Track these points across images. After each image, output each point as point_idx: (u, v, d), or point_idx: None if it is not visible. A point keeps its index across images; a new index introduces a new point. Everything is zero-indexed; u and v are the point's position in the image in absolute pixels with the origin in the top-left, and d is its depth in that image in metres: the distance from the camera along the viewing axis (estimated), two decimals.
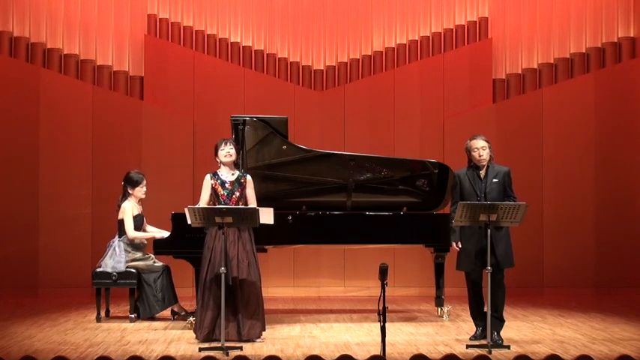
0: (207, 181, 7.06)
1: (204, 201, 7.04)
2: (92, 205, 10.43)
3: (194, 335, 7.11)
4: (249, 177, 7.13)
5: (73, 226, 10.43)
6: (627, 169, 10.65)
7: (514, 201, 6.83)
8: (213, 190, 7.02)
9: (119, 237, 8.22)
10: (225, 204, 6.94)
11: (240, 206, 6.91)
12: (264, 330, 7.07)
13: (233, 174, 7.09)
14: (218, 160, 7.10)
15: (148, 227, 8.37)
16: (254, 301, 6.96)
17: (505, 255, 6.85)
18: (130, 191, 8.27)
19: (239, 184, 7.05)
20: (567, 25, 11.06)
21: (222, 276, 6.58)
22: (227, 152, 7.03)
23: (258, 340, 6.92)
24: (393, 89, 11.01)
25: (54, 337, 7.15)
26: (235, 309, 6.90)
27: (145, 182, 8.32)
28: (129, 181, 8.29)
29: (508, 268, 6.91)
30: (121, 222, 8.21)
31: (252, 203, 7.06)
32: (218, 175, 7.07)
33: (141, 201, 8.36)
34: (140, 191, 8.30)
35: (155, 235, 8.13)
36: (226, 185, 7.02)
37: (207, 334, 6.85)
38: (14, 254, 10.30)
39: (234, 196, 7.01)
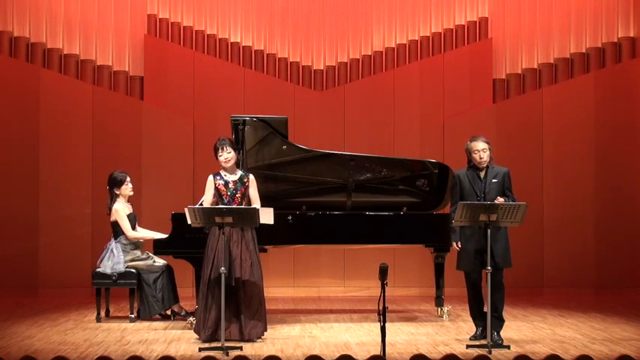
0: (210, 182, 7.06)
1: (207, 202, 7.04)
2: (92, 205, 10.42)
3: (194, 335, 7.12)
4: (252, 177, 7.13)
5: (73, 226, 10.43)
6: (627, 169, 10.65)
7: (513, 201, 6.83)
8: (217, 190, 7.02)
9: (115, 239, 8.22)
10: (229, 204, 6.95)
11: (240, 206, 6.91)
12: (266, 330, 7.07)
13: (236, 174, 7.09)
14: (219, 163, 7.10)
15: (138, 228, 8.35)
16: (256, 301, 6.96)
17: (503, 255, 6.86)
18: (117, 191, 8.25)
19: (242, 183, 7.05)
20: (567, 25, 11.06)
21: (222, 276, 6.58)
22: (225, 158, 7.04)
23: (259, 339, 6.91)
24: (393, 89, 11.01)
25: (54, 337, 7.15)
26: (238, 309, 6.90)
27: (129, 179, 8.30)
28: (113, 182, 8.27)
29: (506, 268, 6.91)
30: (114, 224, 8.20)
31: (256, 203, 7.07)
32: (221, 175, 7.08)
33: (131, 200, 8.36)
34: (127, 189, 8.28)
35: (155, 236, 8.12)
36: (229, 185, 7.02)
37: (210, 334, 6.83)
38: (14, 254, 10.30)
39: (237, 196, 7.01)
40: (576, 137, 10.74)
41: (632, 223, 10.57)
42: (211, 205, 6.98)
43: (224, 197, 7.00)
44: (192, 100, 10.91)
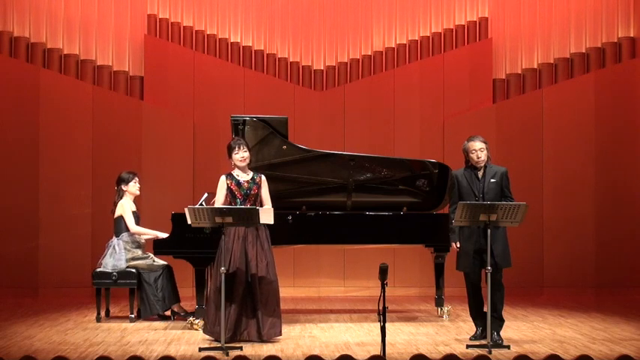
0: (223, 182, 7.04)
1: (219, 202, 7.01)
2: (92, 205, 10.43)
3: (194, 335, 7.14)
4: (263, 177, 7.14)
5: (73, 226, 10.43)
6: (627, 168, 10.65)
7: (511, 201, 6.82)
8: (230, 190, 7.00)
9: (117, 236, 8.22)
10: (242, 203, 6.95)
11: (240, 206, 6.90)
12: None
13: (248, 174, 7.09)
14: (232, 162, 7.08)
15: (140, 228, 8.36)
16: (273, 301, 6.96)
17: (502, 255, 6.85)
18: (125, 188, 8.29)
19: (254, 183, 7.05)
20: (567, 25, 11.06)
21: (222, 276, 6.57)
22: (241, 157, 7.03)
23: (277, 339, 6.92)
24: (393, 89, 11.01)
25: (54, 337, 7.15)
26: (254, 309, 6.90)
27: (137, 178, 8.34)
28: (121, 180, 8.32)
29: (505, 268, 6.91)
30: (118, 220, 8.21)
31: (267, 204, 7.08)
32: (233, 175, 7.06)
33: (137, 200, 8.37)
34: (134, 187, 8.31)
35: (158, 235, 8.11)
36: (242, 185, 7.01)
37: (230, 336, 6.78)
38: (14, 254, 10.30)
39: (250, 196, 7.00)
40: (576, 137, 10.73)
41: (632, 222, 10.57)
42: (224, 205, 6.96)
43: (237, 197, 6.99)
44: (192, 100, 10.91)
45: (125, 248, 8.17)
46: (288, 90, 11.04)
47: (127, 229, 8.19)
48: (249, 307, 6.90)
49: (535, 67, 11.11)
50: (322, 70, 11.28)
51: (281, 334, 7.00)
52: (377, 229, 8.19)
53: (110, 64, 10.97)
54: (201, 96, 10.91)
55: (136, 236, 8.23)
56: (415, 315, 8.70)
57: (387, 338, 6.05)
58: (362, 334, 7.34)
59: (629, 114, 10.72)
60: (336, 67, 11.26)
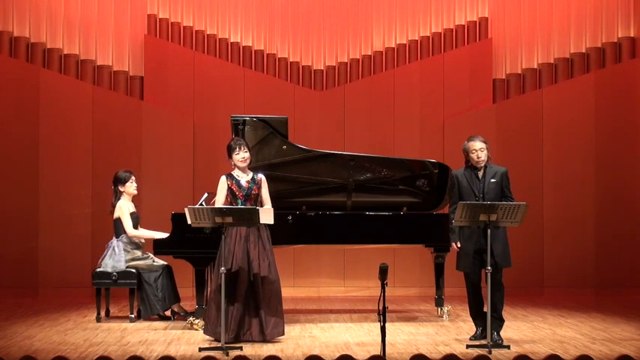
0: (223, 182, 7.03)
1: (220, 202, 7.00)
2: (92, 205, 10.43)
3: (194, 335, 7.14)
4: (263, 177, 7.14)
5: (73, 226, 10.43)
6: (627, 169, 10.64)
7: (511, 201, 6.82)
8: (230, 190, 6.99)
9: (116, 237, 8.22)
10: (243, 203, 6.95)
11: (240, 206, 6.90)
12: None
13: (248, 174, 7.09)
14: (232, 163, 7.08)
15: (140, 229, 8.34)
16: (275, 300, 6.96)
17: (502, 255, 6.85)
18: (122, 189, 8.28)
19: (255, 183, 7.05)
20: (567, 25, 11.06)
21: (223, 276, 6.57)
22: (242, 158, 7.04)
23: (280, 338, 6.92)
24: (393, 89, 11.01)
25: (54, 337, 7.15)
26: (257, 309, 6.90)
27: (133, 178, 8.33)
28: (118, 180, 8.31)
29: (505, 268, 6.91)
30: (117, 222, 8.21)
31: (267, 204, 7.09)
32: (233, 175, 7.06)
33: (135, 200, 8.37)
34: (131, 187, 8.30)
35: (156, 235, 8.11)
36: (243, 185, 7.01)
37: (234, 336, 6.80)
38: (14, 254, 10.30)
39: (251, 196, 7.01)
40: (576, 137, 10.73)
41: (632, 222, 10.57)
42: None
43: (238, 197, 6.99)
44: (192, 100, 10.92)
45: (124, 249, 8.17)
46: (288, 90, 11.04)
47: (126, 232, 8.19)
48: (252, 307, 6.91)
49: (535, 67, 11.11)
50: (322, 70, 11.28)
51: (284, 334, 7.01)
52: (377, 229, 8.19)
53: (110, 64, 10.97)
54: (201, 96, 10.91)
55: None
56: (415, 315, 8.70)
57: (387, 338, 6.05)
58: (362, 334, 7.34)
59: (629, 114, 10.72)
60: (336, 67, 11.26)
